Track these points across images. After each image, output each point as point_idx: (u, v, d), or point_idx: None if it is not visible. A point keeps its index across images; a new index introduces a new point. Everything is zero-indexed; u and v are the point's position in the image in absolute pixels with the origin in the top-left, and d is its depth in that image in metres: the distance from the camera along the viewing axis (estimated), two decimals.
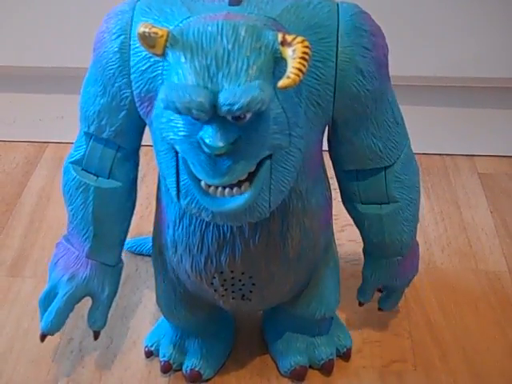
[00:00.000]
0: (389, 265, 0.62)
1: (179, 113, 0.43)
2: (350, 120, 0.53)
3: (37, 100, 0.99)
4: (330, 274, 0.63)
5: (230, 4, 0.49)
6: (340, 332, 0.68)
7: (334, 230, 0.64)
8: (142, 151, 0.59)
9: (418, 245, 0.64)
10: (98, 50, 0.53)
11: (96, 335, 0.64)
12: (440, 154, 0.97)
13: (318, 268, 0.62)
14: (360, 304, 0.67)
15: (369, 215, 0.59)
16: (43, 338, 0.61)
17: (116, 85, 0.52)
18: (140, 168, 0.60)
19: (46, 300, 0.62)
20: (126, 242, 0.64)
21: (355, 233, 0.63)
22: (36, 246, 0.82)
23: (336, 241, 0.65)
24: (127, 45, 0.51)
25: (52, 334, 0.61)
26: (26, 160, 0.97)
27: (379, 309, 0.68)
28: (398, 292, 0.66)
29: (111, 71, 0.52)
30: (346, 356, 0.67)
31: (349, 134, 0.54)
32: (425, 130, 0.95)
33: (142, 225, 0.84)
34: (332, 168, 0.59)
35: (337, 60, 0.50)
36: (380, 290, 0.67)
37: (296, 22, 0.49)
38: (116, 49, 0.51)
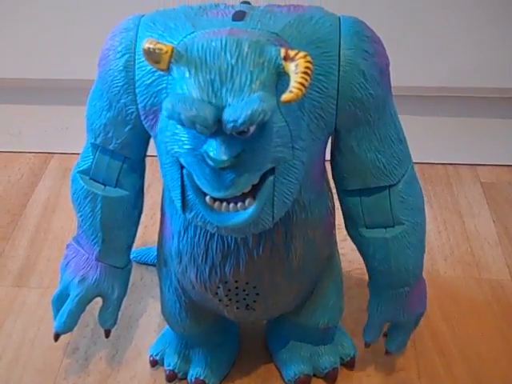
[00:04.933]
0: (396, 297, 0.60)
1: (182, 124, 0.43)
2: (352, 129, 0.53)
3: (42, 111, 1.00)
4: (333, 284, 0.63)
5: (234, 19, 0.50)
6: (344, 341, 0.68)
7: (338, 239, 0.64)
8: (147, 161, 0.60)
9: (424, 281, 0.62)
10: (104, 68, 0.54)
11: (107, 333, 0.66)
12: (443, 164, 0.97)
13: (321, 278, 0.62)
14: (366, 345, 0.65)
15: (374, 240, 0.58)
16: (57, 337, 0.64)
17: (121, 101, 0.53)
18: (145, 178, 0.61)
19: (59, 300, 0.64)
20: (131, 252, 0.64)
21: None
22: (41, 256, 0.83)
23: (339, 250, 0.65)
24: (132, 62, 0.52)
25: (65, 333, 0.64)
26: (31, 171, 0.98)
27: (386, 352, 0.66)
28: (406, 330, 0.64)
29: (116, 89, 0.53)
30: (349, 365, 0.68)
31: (352, 143, 0.54)
32: (427, 139, 0.95)
33: (146, 234, 0.85)
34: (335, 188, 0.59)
35: (339, 73, 0.50)
36: (385, 335, 0.65)
37: (298, 37, 0.49)
38: (121, 67, 0.52)
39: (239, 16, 0.50)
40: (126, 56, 0.52)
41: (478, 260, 0.81)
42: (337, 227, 0.63)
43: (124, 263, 0.63)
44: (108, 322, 0.65)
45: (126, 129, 0.55)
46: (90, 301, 0.63)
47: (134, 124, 0.54)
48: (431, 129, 0.95)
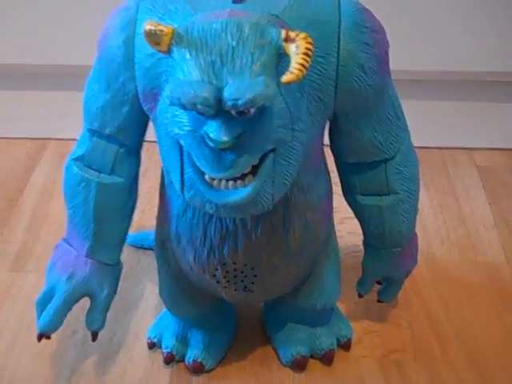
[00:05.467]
0: (388, 256, 0.63)
1: (185, 108, 0.44)
2: (351, 114, 0.54)
3: (39, 97, 1.00)
4: (330, 266, 0.64)
5: (234, 1, 0.50)
6: (340, 322, 0.69)
7: (335, 223, 0.65)
8: (144, 147, 0.60)
9: (417, 236, 0.65)
10: (103, 46, 0.53)
11: (94, 336, 0.63)
12: (439, 148, 0.97)
13: (318, 260, 0.63)
14: (360, 296, 0.68)
15: (369, 207, 0.60)
16: (40, 338, 0.61)
17: (120, 79, 0.53)
18: (142, 163, 0.61)
19: (43, 302, 0.61)
20: (128, 237, 0.64)
21: (355, 225, 0.64)
22: (39, 241, 0.83)
23: (336, 233, 0.66)
24: (132, 39, 0.52)
25: (49, 336, 0.61)
26: (28, 156, 0.98)
27: (379, 300, 0.69)
28: (398, 283, 0.67)
29: (115, 65, 0.53)
30: (346, 346, 0.68)
31: (350, 127, 0.55)
32: (424, 123, 0.95)
33: (143, 219, 0.85)
34: (333, 161, 0.60)
35: (338, 56, 0.51)
36: (379, 283, 0.68)
37: (298, 19, 0.49)
38: (120, 42, 0.52)
39: None
40: (126, 31, 0.52)
41: (473, 243, 0.82)
42: (334, 210, 0.63)
43: (115, 260, 0.61)
44: (95, 324, 0.62)
45: (124, 110, 0.54)
46: (78, 300, 0.61)
47: (131, 105, 0.54)
48: (427, 113, 0.95)
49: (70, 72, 0.95)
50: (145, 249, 0.81)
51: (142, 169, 0.61)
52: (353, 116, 0.54)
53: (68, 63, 0.94)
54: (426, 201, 0.88)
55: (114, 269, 0.62)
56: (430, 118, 0.96)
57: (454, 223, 0.85)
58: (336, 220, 0.66)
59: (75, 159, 0.58)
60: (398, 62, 0.81)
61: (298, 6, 0.50)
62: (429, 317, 0.72)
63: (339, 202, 0.64)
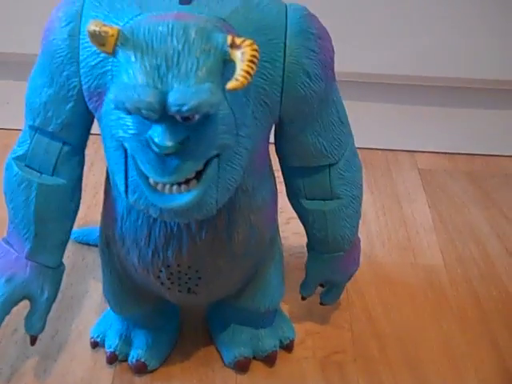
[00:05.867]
0: (331, 260, 0.64)
1: (129, 113, 0.43)
2: (296, 119, 0.55)
3: None
4: (274, 268, 0.64)
5: (181, 2, 0.50)
6: (283, 324, 0.69)
7: (280, 223, 0.65)
8: (90, 140, 0.58)
9: (359, 241, 0.66)
10: (47, 39, 0.52)
11: (33, 340, 0.62)
12: (382, 150, 0.99)
13: (263, 262, 0.63)
14: (303, 298, 0.68)
15: (313, 211, 0.61)
16: None
17: (64, 73, 0.52)
18: (87, 157, 0.59)
19: None
20: (73, 232, 0.63)
21: (300, 226, 0.64)
22: None
23: (281, 233, 0.66)
24: (77, 32, 0.51)
25: None
26: None
27: (321, 303, 0.70)
28: (340, 286, 0.68)
29: (60, 58, 0.52)
30: (288, 347, 0.69)
31: (295, 131, 0.56)
32: (368, 125, 0.97)
33: (88, 214, 0.84)
34: (278, 163, 0.60)
35: (284, 61, 0.51)
36: (322, 286, 0.69)
37: (245, 23, 0.50)
38: (65, 35, 0.51)
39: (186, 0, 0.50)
40: (71, 24, 0.51)
41: (413, 245, 0.83)
42: (279, 210, 0.64)
43: (56, 263, 0.60)
44: (34, 327, 0.61)
45: (67, 107, 0.53)
46: (17, 303, 0.60)
47: (75, 101, 0.53)
48: (372, 115, 0.97)
49: (14, 60, 0.93)
50: (89, 245, 0.80)
51: (87, 163, 0.60)
52: (298, 121, 0.55)
53: (12, 51, 0.92)
54: (369, 203, 0.89)
55: (56, 271, 0.61)
56: (375, 119, 0.97)
57: (395, 225, 0.86)
58: (281, 220, 0.67)
59: (16, 158, 0.57)
60: (345, 63, 0.82)
61: (245, 10, 0.50)
62: (369, 318, 0.73)
63: (285, 202, 0.64)
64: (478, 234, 0.86)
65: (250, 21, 0.50)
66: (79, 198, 0.60)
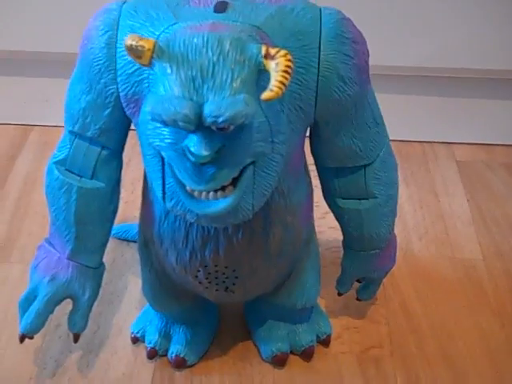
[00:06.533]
0: (367, 258, 0.64)
1: (166, 124, 0.44)
2: (330, 122, 0.55)
3: (22, 83, 1.00)
4: (311, 266, 0.65)
5: (215, 10, 0.50)
6: (320, 319, 0.70)
7: (315, 217, 0.66)
8: (128, 135, 0.59)
9: (395, 237, 0.66)
10: (85, 47, 0.54)
11: (76, 338, 0.64)
12: (419, 142, 0.98)
13: (299, 260, 0.64)
14: (339, 294, 0.69)
15: (348, 210, 0.61)
16: (22, 338, 0.62)
17: (102, 81, 0.53)
18: (125, 153, 0.61)
19: (26, 302, 0.62)
20: (112, 229, 0.64)
21: (335, 220, 0.64)
22: (22, 231, 0.83)
23: (317, 228, 0.67)
24: (114, 41, 0.52)
25: (31, 336, 0.62)
26: (11, 143, 0.98)
27: (357, 299, 0.70)
28: (376, 283, 0.68)
29: (98, 67, 0.53)
30: (325, 342, 0.70)
31: (330, 134, 0.56)
32: (405, 117, 0.96)
33: (127, 210, 0.86)
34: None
35: (319, 66, 0.51)
36: (359, 281, 0.69)
37: (279, 30, 0.50)
38: (103, 44, 0.52)
39: (221, 7, 0.50)
40: (109, 33, 0.52)
41: (451, 239, 0.83)
42: (314, 205, 0.64)
43: (97, 263, 0.62)
44: (77, 326, 0.63)
45: (105, 113, 0.55)
46: (60, 302, 0.62)
47: (113, 107, 0.54)
48: (409, 107, 0.96)
49: (54, 59, 0.95)
50: (128, 241, 0.82)
51: (125, 158, 0.61)
52: (333, 124, 0.55)
53: (53, 50, 0.93)
54: (405, 196, 0.89)
55: (96, 271, 0.62)
56: (412, 112, 0.97)
57: (432, 219, 0.86)
58: (317, 215, 0.67)
59: (56, 163, 0.59)
60: (381, 57, 0.82)
61: (279, 16, 0.51)
62: (406, 313, 0.74)
63: (320, 196, 0.64)
64: None
65: (284, 27, 0.50)
66: (118, 200, 0.61)
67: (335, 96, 0.53)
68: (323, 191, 0.63)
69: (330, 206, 0.63)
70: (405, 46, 0.90)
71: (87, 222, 0.59)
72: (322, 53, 0.51)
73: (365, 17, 0.83)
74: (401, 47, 0.90)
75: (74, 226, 0.59)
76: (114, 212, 0.61)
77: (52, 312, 0.62)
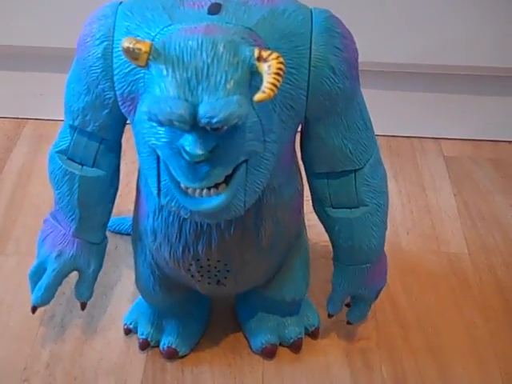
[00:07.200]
0: (358, 272, 0.64)
1: (161, 124, 0.46)
2: (321, 118, 0.56)
3: (16, 77, 1.00)
4: (300, 260, 0.66)
5: (209, 12, 0.51)
6: (309, 312, 0.71)
7: (305, 211, 0.66)
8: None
9: (386, 256, 0.66)
10: (82, 54, 0.55)
11: (83, 306, 0.68)
12: (408, 137, 0.99)
13: (289, 254, 0.65)
14: (329, 316, 0.68)
15: (339, 219, 0.61)
16: (34, 310, 0.66)
17: (100, 86, 0.55)
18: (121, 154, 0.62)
19: (36, 274, 0.66)
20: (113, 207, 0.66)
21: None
22: (17, 223, 0.84)
23: (307, 222, 0.68)
24: (110, 50, 0.53)
25: (42, 306, 0.66)
26: (6, 136, 0.99)
27: (348, 322, 0.69)
28: (367, 303, 0.67)
29: (95, 75, 0.54)
30: (314, 335, 0.71)
31: (320, 131, 0.57)
32: (394, 113, 0.97)
33: (121, 203, 0.86)
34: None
35: (310, 65, 0.52)
36: (348, 305, 0.69)
37: (271, 31, 0.51)
38: (99, 55, 0.53)
39: (215, 9, 0.52)
40: (105, 43, 0.53)
41: (438, 233, 0.84)
42: (304, 199, 0.65)
43: (100, 239, 0.65)
44: (84, 295, 0.67)
45: (104, 112, 0.57)
46: (67, 275, 0.65)
47: (111, 108, 0.56)
48: (398, 103, 0.97)
49: (48, 53, 0.96)
50: (122, 234, 0.83)
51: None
52: (323, 120, 0.56)
53: (47, 45, 0.94)
54: (394, 191, 0.90)
55: (100, 246, 0.66)
56: (401, 107, 0.98)
57: (420, 213, 0.87)
58: (306, 209, 0.68)
59: (58, 151, 0.61)
60: (371, 53, 0.83)
61: (271, 18, 0.52)
62: (393, 306, 0.75)
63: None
64: (502, 221, 0.86)
65: (276, 29, 0.51)
66: (118, 183, 0.64)
67: (326, 87, 0.53)
68: (313, 202, 0.62)
69: (320, 217, 0.63)
70: (394, 43, 0.91)
71: (90, 205, 0.62)
72: (313, 47, 0.52)
73: (355, 13, 0.85)
74: (390, 44, 0.91)
75: (77, 208, 0.62)
76: (115, 194, 0.64)
77: (60, 284, 0.66)
